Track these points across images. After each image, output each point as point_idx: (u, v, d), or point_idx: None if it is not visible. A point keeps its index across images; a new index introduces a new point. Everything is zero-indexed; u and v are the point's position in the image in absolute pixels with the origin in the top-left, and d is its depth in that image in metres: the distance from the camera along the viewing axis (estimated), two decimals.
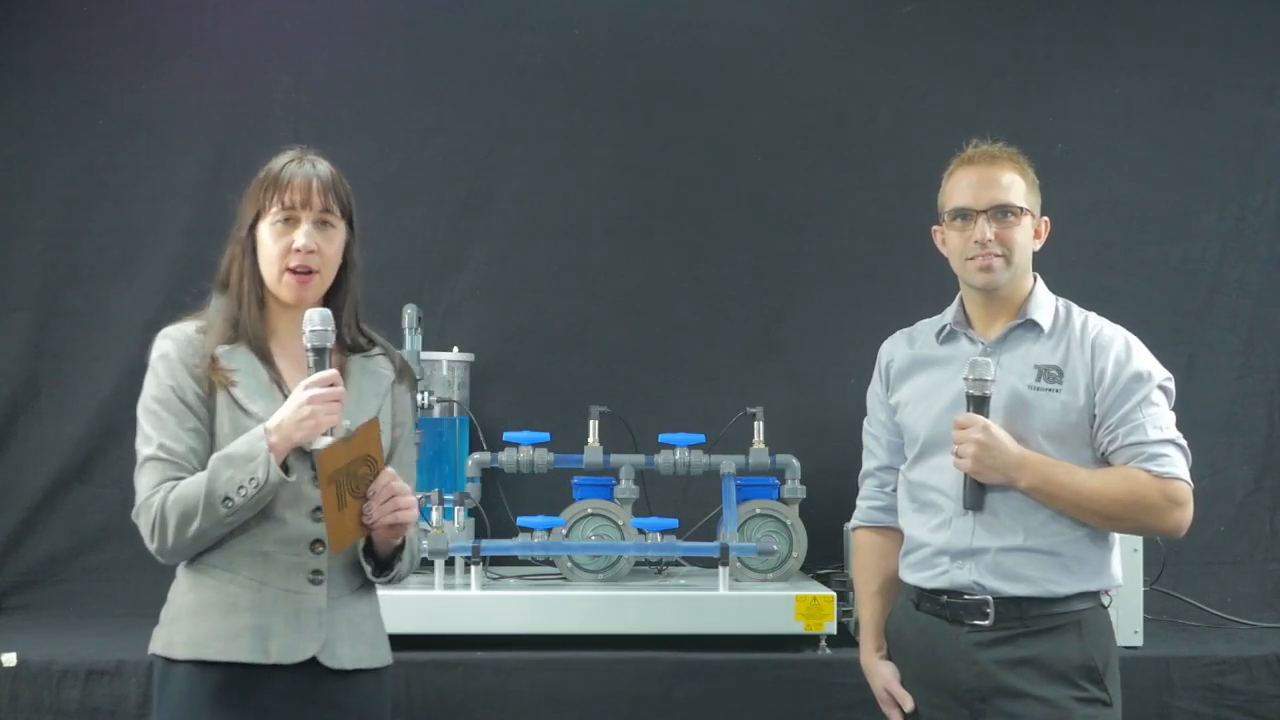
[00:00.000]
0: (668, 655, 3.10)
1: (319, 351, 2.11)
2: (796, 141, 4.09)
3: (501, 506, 3.66)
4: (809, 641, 3.17)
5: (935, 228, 2.51)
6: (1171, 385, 2.40)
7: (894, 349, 2.58)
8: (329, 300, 2.22)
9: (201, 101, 3.97)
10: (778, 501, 3.44)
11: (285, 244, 2.16)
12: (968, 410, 2.34)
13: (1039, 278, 2.48)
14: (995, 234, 2.38)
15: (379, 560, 2.24)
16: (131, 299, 3.87)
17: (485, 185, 4.05)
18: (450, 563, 3.26)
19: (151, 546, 2.11)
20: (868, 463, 2.63)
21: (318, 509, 2.14)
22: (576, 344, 4.03)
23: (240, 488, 2.05)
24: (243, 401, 2.14)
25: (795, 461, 3.44)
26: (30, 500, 3.87)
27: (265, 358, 2.19)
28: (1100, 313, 2.47)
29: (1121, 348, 2.38)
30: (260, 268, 2.19)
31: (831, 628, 3.15)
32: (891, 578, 2.54)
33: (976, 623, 2.34)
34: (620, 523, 3.34)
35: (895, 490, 2.55)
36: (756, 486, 3.48)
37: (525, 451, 3.37)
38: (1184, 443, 2.36)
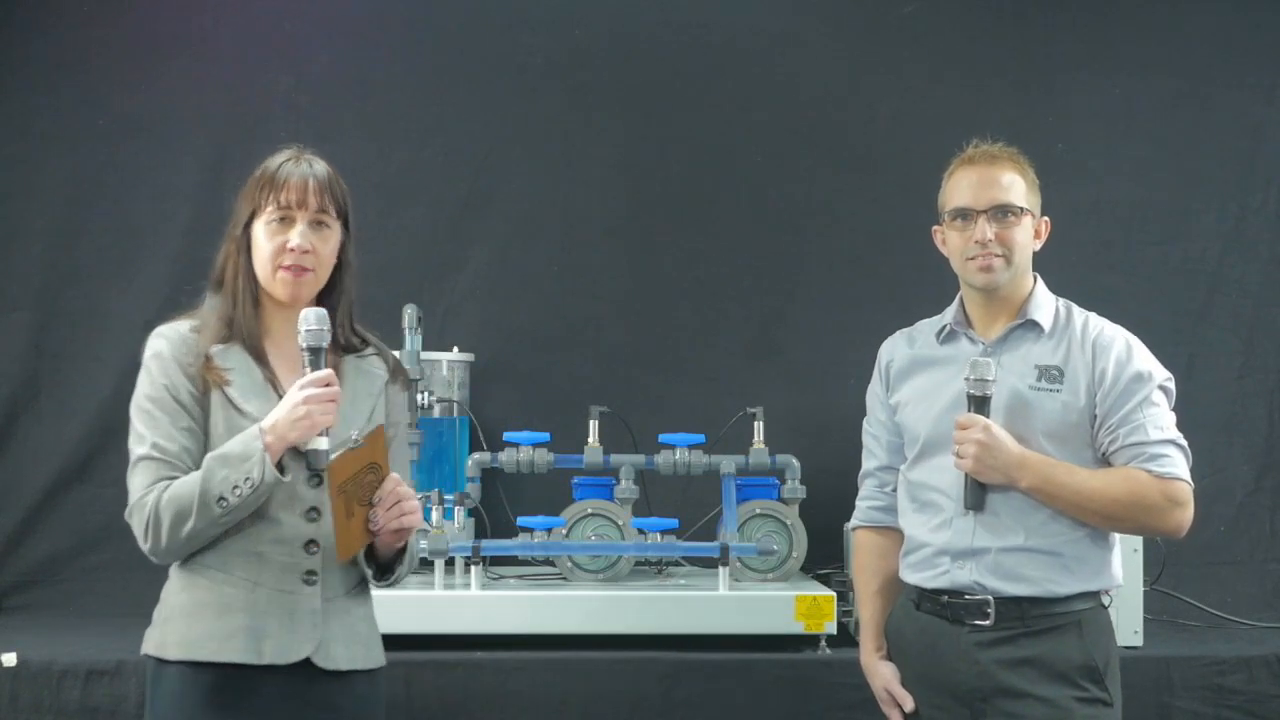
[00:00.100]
0: (668, 655, 3.10)
1: (314, 351, 2.11)
2: (796, 141, 4.09)
3: (501, 506, 3.65)
4: (809, 641, 3.17)
5: (935, 228, 2.51)
6: (1172, 385, 2.40)
7: (894, 349, 2.58)
8: (323, 300, 2.21)
9: (201, 101, 3.97)
10: (778, 501, 3.44)
11: (280, 243, 2.16)
12: (968, 410, 2.34)
13: (1039, 278, 2.48)
14: (996, 234, 2.38)
15: (380, 564, 2.23)
16: (131, 299, 3.87)
17: (485, 185, 4.05)
18: (450, 563, 3.26)
19: (145, 547, 2.11)
20: (867, 463, 2.63)
21: (312, 509, 2.14)
22: (576, 344, 4.03)
23: (235, 488, 2.04)
24: (237, 401, 2.13)
25: (795, 461, 3.44)
26: (30, 500, 3.86)
27: (260, 357, 2.18)
28: (1100, 313, 2.47)
29: (1122, 348, 2.38)
30: (255, 266, 2.19)
31: (831, 628, 3.15)
32: (891, 578, 2.54)
33: (977, 623, 2.34)
34: (620, 523, 3.34)
35: (895, 490, 2.55)
36: (756, 486, 3.48)
37: (525, 451, 3.37)
38: (1184, 443, 2.36)
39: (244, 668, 2.09)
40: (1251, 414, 4.05)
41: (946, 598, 2.38)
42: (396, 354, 2.42)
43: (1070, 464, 2.33)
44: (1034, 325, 2.42)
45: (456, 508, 3.36)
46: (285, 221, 2.17)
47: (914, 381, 2.51)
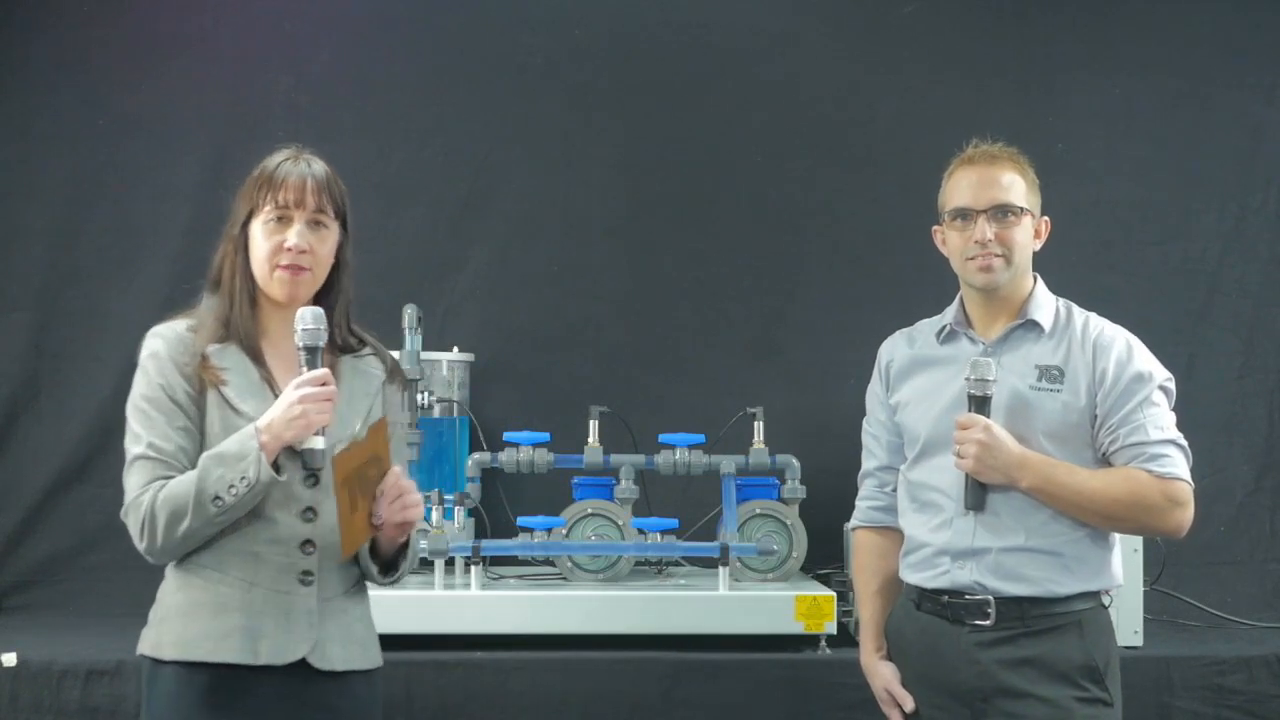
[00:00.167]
0: (668, 655, 3.10)
1: (311, 350, 2.10)
2: (796, 141, 4.09)
3: (501, 506, 3.65)
4: (809, 641, 3.17)
5: (935, 228, 2.51)
6: (1172, 386, 2.40)
7: (894, 349, 2.58)
8: (320, 300, 2.20)
9: (201, 101, 3.97)
10: (778, 501, 3.44)
11: (277, 243, 2.15)
12: (969, 410, 2.34)
13: (1039, 278, 2.48)
14: (995, 234, 2.38)
15: (383, 561, 2.23)
16: (131, 299, 3.87)
17: (485, 185, 4.05)
18: (450, 563, 3.26)
19: (140, 546, 2.10)
20: (867, 463, 2.63)
21: (308, 509, 2.13)
22: (576, 344, 4.03)
23: (231, 487, 2.03)
24: (233, 400, 2.12)
25: (795, 461, 3.44)
26: (30, 500, 3.87)
27: (256, 357, 2.17)
28: (1100, 313, 2.47)
29: (1123, 348, 2.38)
30: (252, 266, 2.18)
31: (831, 628, 3.15)
32: (891, 578, 2.54)
33: (977, 623, 2.34)
34: (620, 523, 3.34)
35: (895, 490, 2.55)
36: (756, 486, 3.48)
37: (525, 451, 3.37)
38: (1185, 443, 2.36)
39: (239, 668, 2.08)
40: (1251, 414, 4.05)
41: (947, 598, 2.38)
42: (396, 354, 2.42)
43: (1071, 464, 2.33)
44: (1034, 325, 2.42)
45: (456, 508, 3.36)
46: (283, 221, 2.16)
47: (914, 381, 2.51)
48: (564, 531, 3.33)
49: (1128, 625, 3.17)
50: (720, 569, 3.20)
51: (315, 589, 2.14)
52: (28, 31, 3.98)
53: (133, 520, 2.09)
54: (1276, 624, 3.61)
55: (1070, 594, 2.33)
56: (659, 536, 3.35)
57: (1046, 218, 2.47)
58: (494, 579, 3.38)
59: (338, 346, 2.24)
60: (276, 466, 2.06)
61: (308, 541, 2.14)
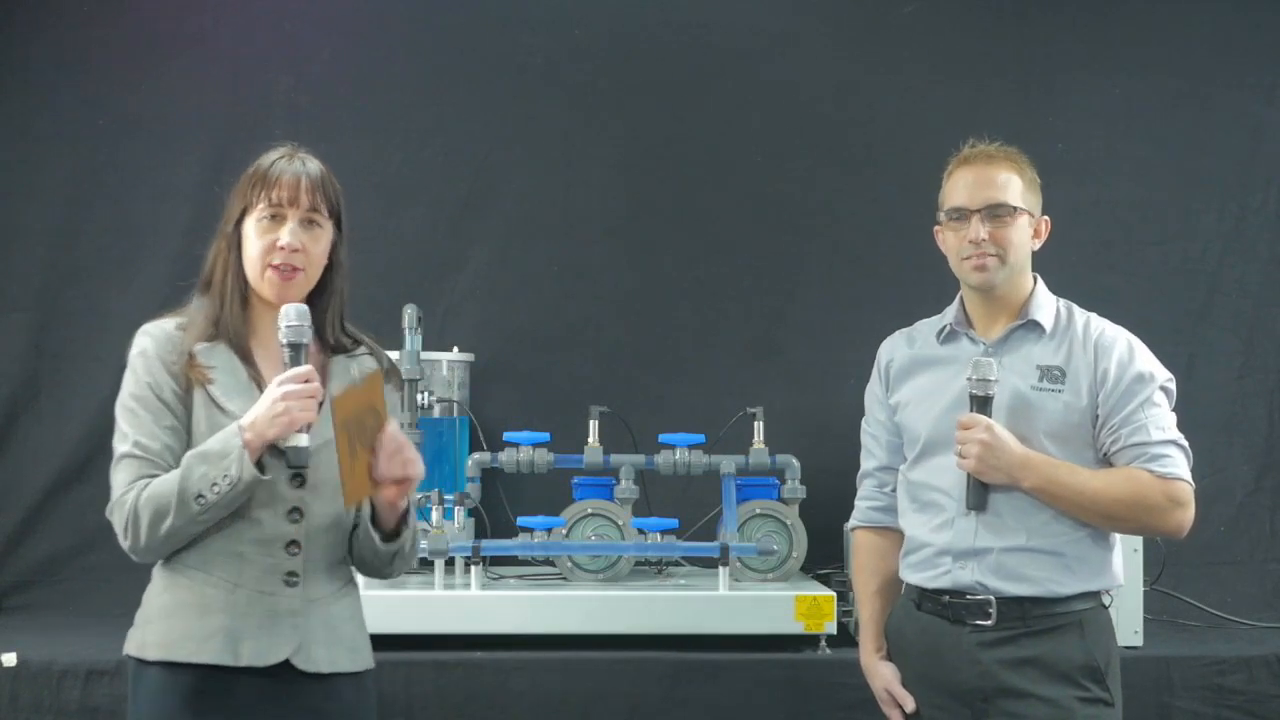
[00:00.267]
0: (668, 655, 3.10)
1: (295, 348, 2.08)
2: (796, 141, 4.09)
3: (501, 506, 3.66)
4: (809, 641, 3.17)
5: (937, 228, 2.51)
6: (1173, 386, 2.41)
7: (893, 349, 2.58)
8: (313, 300, 2.19)
9: (201, 101, 3.97)
10: (778, 501, 3.44)
11: (270, 241, 2.13)
12: (971, 410, 2.34)
13: (1039, 278, 2.48)
14: (989, 233, 2.38)
15: (384, 531, 2.20)
16: (131, 299, 3.86)
17: (485, 185, 4.05)
18: (450, 563, 3.26)
19: (125, 544, 2.09)
20: (866, 463, 2.63)
21: (294, 510, 2.11)
22: (576, 344, 4.03)
23: (214, 485, 2.02)
24: (219, 399, 2.11)
25: (795, 461, 3.44)
26: (30, 500, 3.87)
27: (245, 356, 2.15)
28: (1100, 313, 2.47)
29: (1124, 349, 2.38)
30: (244, 265, 2.16)
31: (831, 628, 3.15)
32: (891, 578, 2.54)
33: (978, 623, 2.34)
34: (620, 523, 3.34)
35: (894, 490, 2.55)
36: (756, 486, 3.48)
37: (525, 451, 3.37)
38: (1185, 443, 2.36)
39: (222, 669, 2.06)
40: (1251, 414, 4.05)
41: (948, 598, 2.38)
42: (395, 354, 2.40)
43: (1072, 464, 2.33)
44: (1035, 325, 2.42)
45: (456, 508, 3.36)
46: (276, 219, 2.14)
47: (914, 381, 2.51)
48: (564, 531, 3.33)
49: (1128, 625, 3.17)
50: (720, 569, 3.20)
51: (300, 590, 2.12)
52: (28, 31, 3.98)
53: (117, 518, 2.09)
54: (1276, 624, 3.61)
55: (1071, 594, 2.33)
56: (659, 536, 3.35)
57: (1046, 217, 2.47)
58: (494, 579, 3.38)
59: (330, 346, 2.23)
60: (261, 465, 2.04)
61: (293, 542, 2.11)
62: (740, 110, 4.09)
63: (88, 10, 3.99)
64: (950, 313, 2.51)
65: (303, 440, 2.06)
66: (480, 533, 3.52)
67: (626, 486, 3.36)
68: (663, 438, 3.43)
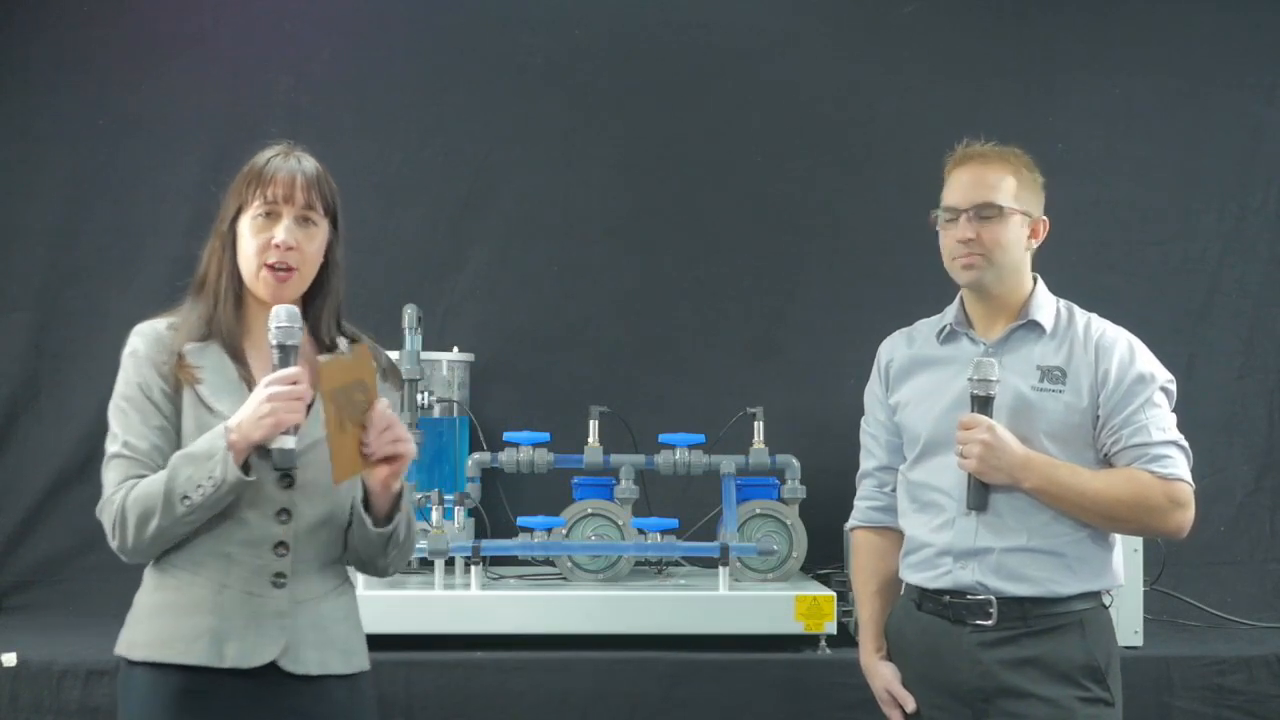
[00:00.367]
0: (668, 655, 3.10)
1: (283, 349, 2.05)
2: (796, 141, 4.09)
3: (501, 506, 3.65)
4: (809, 641, 3.17)
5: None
6: (1173, 387, 2.41)
7: (893, 349, 2.58)
8: (309, 300, 2.18)
9: (201, 101, 3.97)
10: (778, 501, 3.44)
11: (265, 239, 2.11)
12: (972, 411, 2.34)
13: (1039, 278, 2.48)
14: (977, 233, 2.38)
15: (376, 516, 2.15)
16: (131, 299, 3.86)
17: (485, 185, 4.05)
18: (450, 563, 3.25)
19: (113, 544, 2.08)
20: (866, 463, 2.63)
21: (282, 510, 2.09)
22: (576, 344, 4.03)
23: (199, 486, 2.00)
24: (207, 399, 2.09)
25: (795, 461, 3.44)
26: (30, 500, 3.87)
27: (237, 355, 2.14)
28: (1100, 313, 2.47)
29: (1125, 349, 2.38)
30: (239, 263, 2.14)
31: (831, 628, 3.15)
32: (890, 578, 2.54)
33: (979, 623, 2.34)
34: (620, 523, 3.34)
35: (894, 490, 2.55)
36: (756, 486, 3.48)
37: (525, 451, 3.37)
38: (1186, 444, 2.36)
39: (209, 670, 2.05)
40: (1251, 414, 4.05)
41: (948, 598, 2.38)
42: (395, 354, 2.40)
43: (1073, 465, 2.33)
44: (1035, 326, 2.42)
45: (456, 508, 3.36)
46: (271, 217, 2.12)
47: (914, 381, 2.51)
48: (564, 531, 3.33)
49: (1128, 625, 3.17)
50: (720, 569, 3.20)
51: (288, 591, 2.09)
52: (28, 31, 3.98)
53: (106, 519, 2.08)
54: (1276, 624, 3.61)
55: (1072, 594, 2.33)
56: (659, 536, 3.35)
57: (1045, 218, 2.47)
58: (494, 579, 3.38)
59: (325, 347, 2.20)
60: (247, 466, 2.02)
61: (281, 543, 2.09)
62: (740, 110, 4.09)
63: (88, 10, 3.99)
64: (950, 313, 2.51)
65: (289, 442, 2.03)
66: (480, 533, 3.52)
67: (626, 486, 3.35)
68: (663, 438, 3.43)
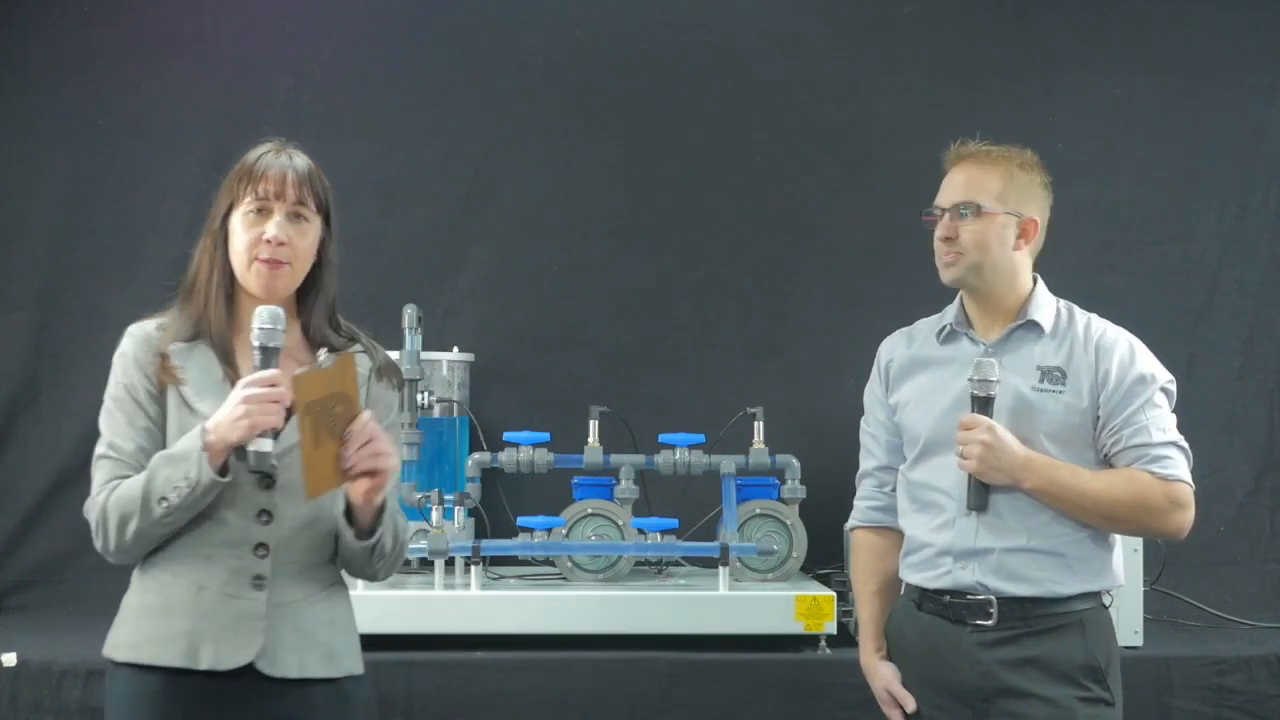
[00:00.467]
0: (668, 655, 3.10)
1: (265, 350, 2.02)
2: (796, 141, 4.09)
3: (501, 506, 3.65)
4: (809, 641, 3.17)
5: None
6: (1174, 388, 2.41)
7: (893, 349, 2.58)
8: (301, 298, 2.16)
9: (201, 101, 3.97)
10: (778, 501, 3.44)
11: (256, 234, 2.09)
12: (972, 411, 2.34)
13: (1039, 279, 2.48)
14: (956, 232, 2.39)
15: (359, 528, 2.11)
16: (131, 299, 3.84)
17: (485, 185, 4.05)
18: (450, 563, 3.25)
19: (97, 545, 2.07)
20: (865, 463, 2.62)
21: (263, 512, 2.07)
22: (576, 344, 4.03)
23: (175, 487, 1.99)
24: (190, 399, 2.08)
25: (795, 461, 3.44)
26: (30, 500, 3.86)
27: (226, 355, 2.12)
28: (1100, 313, 2.47)
29: (1125, 350, 2.38)
30: (231, 260, 2.12)
31: (831, 628, 3.15)
32: (890, 578, 2.54)
33: (979, 623, 2.34)
34: (620, 523, 3.34)
35: (894, 490, 2.55)
36: (756, 486, 3.48)
37: (525, 451, 3.37)
38: (1186, 445, 2.36)
39: (187, 672, 2.03)
40: (1251, 414, 4.05)
41: (948, 598, 2.37)
42: (396, 354, 2.38)
43: (1074, 465, 2.33)
44: (1035, 326, 2.42)
45: (456, 508, 3.36)
46: (262, 213, 2.10)
47: (914, 381, 2.50)
48: (564, 531, 3.33)
49: (1128, 625, 3.17)
50: (720, 569, 3.20)
51: (267, 593, 2.07)
52: (28, 31, 3.97)
53: (91, 519, 2.08)
54: (1276, 624, 3.61)
55: (1072, 594, 2.33)
56: (659, 536, 3.35)
57: (1035, 218, 2.45)
58: (494, 579, 3.38)
59: (317, 346, 2.16)
60: (225, 467, 2.00)
61: (261, 545, 2.07)
62: (740, 110, 4.09)
63: (88, 10, 3.99)
64: (950, 313, 2.51)
65: (265, 445, 1.99)
66: (480, 533, 3.52)
67: (626, 486, 3.35)
68: (663, 438, 3.43)
